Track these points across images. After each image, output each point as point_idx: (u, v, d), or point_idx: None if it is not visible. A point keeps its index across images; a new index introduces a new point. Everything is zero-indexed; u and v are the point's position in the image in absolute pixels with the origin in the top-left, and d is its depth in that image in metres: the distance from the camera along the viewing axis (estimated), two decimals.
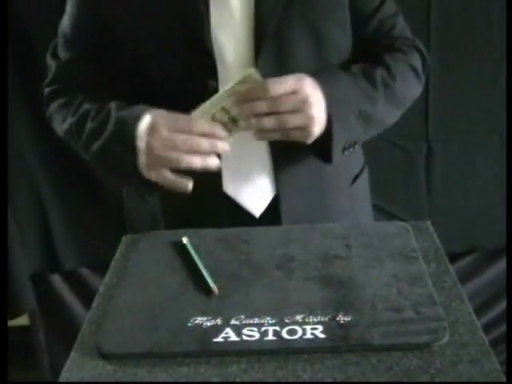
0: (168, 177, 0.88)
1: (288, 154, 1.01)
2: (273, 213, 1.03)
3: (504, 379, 0.61)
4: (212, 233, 0.93)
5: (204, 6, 0.94)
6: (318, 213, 1.06)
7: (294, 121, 0.87)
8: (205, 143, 0.86)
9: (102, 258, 1.09)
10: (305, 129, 0.88)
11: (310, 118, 0.87)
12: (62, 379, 0.65)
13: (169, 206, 1.13)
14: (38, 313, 1.90)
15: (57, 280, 1.89)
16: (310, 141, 0.90)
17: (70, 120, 1.01)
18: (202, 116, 0.87)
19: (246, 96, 0.85)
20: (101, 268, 1.02)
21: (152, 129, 0.87)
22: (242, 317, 0.71)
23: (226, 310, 0.73)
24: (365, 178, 1.18)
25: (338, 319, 0.70)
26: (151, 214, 1.27)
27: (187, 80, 0.97)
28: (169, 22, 0.95)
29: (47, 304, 1.90)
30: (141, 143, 0.88)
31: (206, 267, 0.82)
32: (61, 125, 1.04)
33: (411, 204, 1.76)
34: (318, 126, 0.89)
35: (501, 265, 1.83)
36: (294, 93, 0.85)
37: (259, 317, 0.71)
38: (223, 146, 0.88)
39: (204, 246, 0.88)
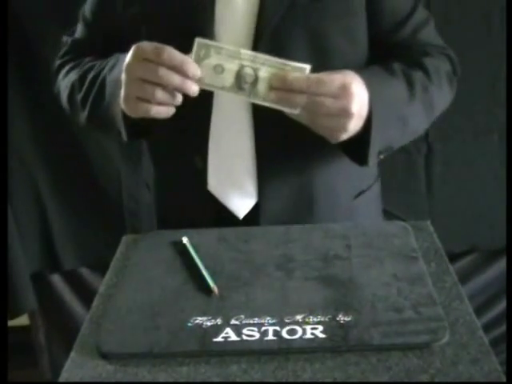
0: (145, 108, 0.84)
1: (274, 160, 0.98)
2: (255, 218, 1.00)
3: (504, 379, 0.61)
4: (212, 233, 0.93)
5: (211, 1, 0.94)
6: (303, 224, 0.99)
7: (329, 123, 0.84)
8: (175, 77, 0.81)
9: (102, 257, 1.09)
10: (335, 133, 0.85)
11: (344, 128, 0.84)
12: (61, 379, 0.65)
13: (159, 202, 1.15)
14: (38, 313, 1.90)
15: (57, 280, 1.89)
16: (343, 137, 0.86)
17: (74, 77, 1.01)
18: (231, 57, 0.82)
19: (288, 78, 0.80)
20: (101, 268, 1.02)
21: (130, 58, 0.84)
22: (242, 317, 0.71)
23: (226, 309, 0.73)
24: (374, 193, 1.13)
25: (338, 319, 0.70)
26: (151, 213, 1.27)
27: None
28: (175, 12, 0.95)
29: (47, 304, 1.90)
30: (122, 75, 0.86)
31: (206, 267, 0.82)
32: (65, 89, 1.04)
33: (411, 204, 1.76)
34: (355, 122, 0.84)
35: (501, 265, 1.83)
36: (334, 97, 0.82)
37: (259, 317, 0.71)
38: (193, 88, 0.82)
39: (204, 246, 0.88)
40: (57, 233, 1.81)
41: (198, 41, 0.81)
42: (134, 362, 0.66)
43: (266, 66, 0.81)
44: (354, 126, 0.85)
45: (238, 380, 0.63)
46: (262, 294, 0.76)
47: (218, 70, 0.82)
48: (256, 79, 0.82)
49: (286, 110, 0.83)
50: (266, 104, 0.83)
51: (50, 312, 1.91)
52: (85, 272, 1.88)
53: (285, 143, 0.97)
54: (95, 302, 0.79)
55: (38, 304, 1.86)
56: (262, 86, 0.82)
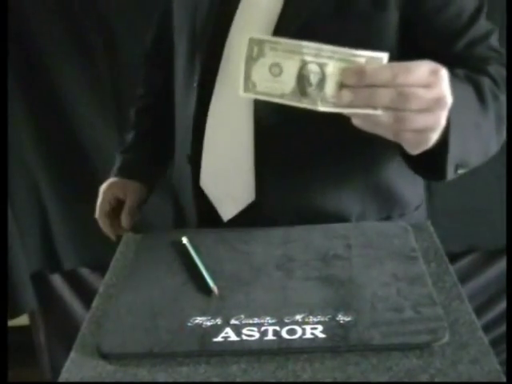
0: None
1: (273, 168, 0.94)
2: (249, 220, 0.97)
3: (504, 379, 0.61)
4: (212, 233, 0.93)
5: (234, 3, 0.93)
6: None
7: (420, 122, 0.65)
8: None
9: (102, 257, 1.09)
10: (425, 133, 0.68)
11: (438, 123, 0.67)
12: (61, 379, 0.65)
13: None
14: (38, 312, 1.90)
15: (57, 280, 1.89)
16: (421, 150, 0.71)
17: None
18: (290, 52, 0.66)
19: (367, 70, 0.63)
20: (101, 268, 1.02)
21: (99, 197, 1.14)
22: (242, 317, 0.71)
23: (225, 309, 0.73)
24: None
25: (337, 319, 0.70)
26: (151, 214, 1.27)
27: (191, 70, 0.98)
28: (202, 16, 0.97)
29: (47, 304, 1.90)
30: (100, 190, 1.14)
31: (206, 267, 0.82)
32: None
33: None
34: (437, 133, 0.69)
35: (501, 265, 1.83)
36: (426, 87, 0.64)
37: (259, 317, 0.71)
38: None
39: (204, 246, 0.88)
40: (57, 233, 1.81)
41: (250, 38, 0.67)
42: (133, 362, 0.66)
43: (334, 60, 0.64)
44: (436, 137, 0.70)
45: (237, 380, 0.63)
46: (261, 294, 0.76)
47: (275, 71, 0.67)
48: (323, 78, 0.65)
49: (367, 112, 0.65)
50: (338, 110, 0.65)
51: (50, 312, 1.91)
52: (85, 272, 1.88)
53: (285, 153, 0.94)
54: (95, 302, 0.79)
55: (38, 304, 1.86)
56: (331, 87, 0.65)
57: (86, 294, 1.85)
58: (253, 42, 0.67)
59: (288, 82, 0.66)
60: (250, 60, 0.67)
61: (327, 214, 0.95)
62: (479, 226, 1.79)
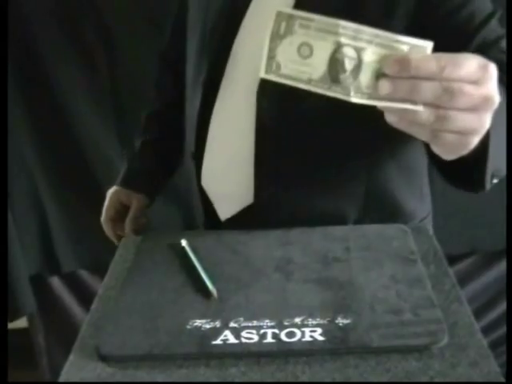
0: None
1: (273, 171, 0.93)
2: (247, 220, 0.97)
3: (503, 381, 0.61)
4: (211, 235, 0.93)
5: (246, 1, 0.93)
6: None
7: (464, 123, 0.57)
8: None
9: (101, 259, 1.09)
10: (468, 136, 0.59)
11: (483, 125, 0.59)
12: (61, 380, 0.65)
13: None
14: (37, 315, 1.90)
15: (56, 282, 1.89)
16: (459, 155, 0.62)
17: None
18: (324, 32, 0.57)
19: (411, 60, 0.55)
20: (100, 270, 1.02)
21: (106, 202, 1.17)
22: (241, 319, 0.71)
23: (224, 312, 0.73)
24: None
25: (336, 321, 0.70)
26: (151, 216, 1.27)
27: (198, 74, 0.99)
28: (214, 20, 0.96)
29: (46, 306, 1.90)
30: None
31: (205, 269, 0.82)
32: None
33: None
34: (480, 136, 0.60)
35: (500, 267, 1.83)
36: (474, 83, 0.56)
37: (258, 319, 0.71)
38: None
39: (203, 248, 0.88)
40: (56, 235, 1.81)
41: (278, 11, 0.58)
42: (132, 364, 0.66)
43: (373, 45, 0.56)
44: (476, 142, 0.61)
45: (236, 380, 0.63)
46: (260, 297, 0.76)
47: (305, 51, 0.58)
48: (359, 65, 0.57)
49: (406, 106, 0.56)
50: (373, 102, 0.57)
51: (49, 314, 1.91)
52: (84, 274, 1.88)
53: (286, 156, 0.93)
54: (94, 305, 0.79)
55: (37, 306, 1.86)
56: (367, 75, 0.57)
57: (85, 297, 1.85)
58: (281, 16, 0.57)
59: (318, 65, 0.57)
60: (276, 37, 0.58)
61: (325, 218, 0.94)
62: (479, 228, 1.79)
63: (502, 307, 1.87)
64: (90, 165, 1.75)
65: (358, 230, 0.91)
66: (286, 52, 0.58)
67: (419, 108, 0.56)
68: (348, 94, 0.57)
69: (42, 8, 1.59)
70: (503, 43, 0.87)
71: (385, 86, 0.55)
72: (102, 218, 1.15)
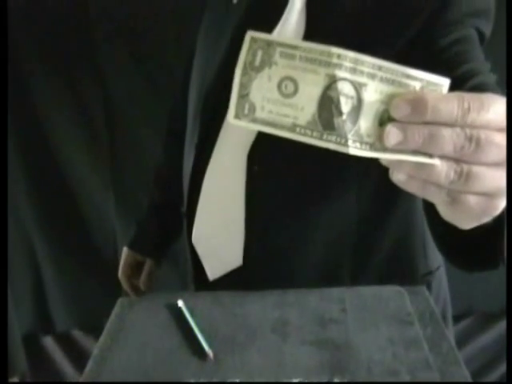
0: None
1: (263, 236, 0.93)
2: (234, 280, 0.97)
3: None
4: (208, 296, 0.92)
5: None
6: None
7: (492, 181, 0.44)
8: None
9: (95, 320, 1.09)
10: (495, 198, 0.45)
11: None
12: None
13: None
14: (28, 374, 1.87)
15: (49, 342, 1.87)
16: (480, 222, 0.48)
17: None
18: (313, 63, 0.43)
19: (425, 101, 0.42)
20: (94, 330, 1.01)
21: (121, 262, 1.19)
22: (237, 380, 0.71)
23: (220, 373, 0.72)
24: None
25: (333, 383, 0.69)
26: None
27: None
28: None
29: (38, 366, 1.87)
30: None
31: (202, 330, 0.81)
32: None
33: None
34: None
35: (498, 328, 1.82)
36: (502, 131, 0.43)
37: (254, 380, 0.70)
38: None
39: (199, 308, 0.88)
40: (51, 294, 1.80)
41: (252, 36, 0.44)
42: None
43: (377, 81, 0.44)
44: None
45: None
46: (257, 358, 0.75)
47: (288, 88, 0.44)
48: (358, 106, 0.44)
49: (419, 160, 0.44)
50: (377, 155, 0.44)
51: (41, 374, 1.88)
52: (77, 334, 1.86)
53: (277, 222, 0.93)
54: (89, 365, 0.79)
55: (29, 366, 1.83)
56: (370, 119, 0.44)
57: (78, 357, 1.82)
58: (256, 43, 0.44)
59: (306, 107, 0.44)
60: (250, 70, 0.44)
61: (314, 281, 0.93)
62: (477, 288, 1.78)
63: (502, 369, 1.84)
64: (87, 225, 1.75)
65: (355, 291, 0.91)
66: (263, 89, 0.44)
67: (436, 162, 0.43)
68: (344, 145, 0.44)
69: (42, 69, 1.62)
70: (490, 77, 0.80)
71: (392, 134, 0.43)
72: (119, 274, 1.19)
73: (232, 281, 0.96)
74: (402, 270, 0.97)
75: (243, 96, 0.45)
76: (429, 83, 0.44)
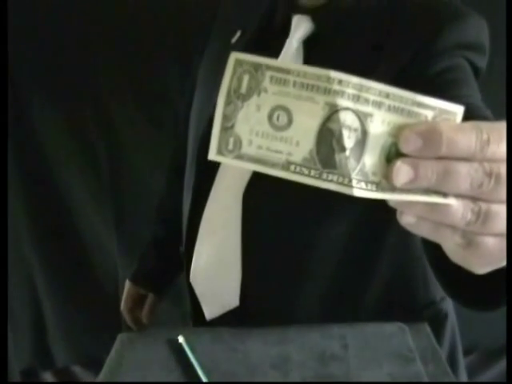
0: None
1: (260, 277, 0.92)
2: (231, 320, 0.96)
3: None
4: (209, 331, 0.92)
5: None
6: None
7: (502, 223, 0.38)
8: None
9: (95, 355, 1.08)
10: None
11: None
12: None
13: None
14: None
15: (48, 377, 1.85)
16: (498, 266, 0.42)
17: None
18: (310, 90, 0.37)
19: (439, 132, 0.37)
20: (93, 366, 1.01)
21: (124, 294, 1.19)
22: None
23: None
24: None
25: None
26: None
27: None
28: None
29: None
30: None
31: (202, 366, 0.81)
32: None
33: None
34: None
35: (500, 365, 1.80)
36: None
37: None
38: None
39: (200, 344, 0.88)
40: (50, 329, 1.80)
41: (236, 58, 0.38)
42: None
43: (383, 110, 0.38)
44: None
45: None
46: None
47: (280, 119, 0.38)
48: (363, 140, 0.38)
49: (431, 200, 0.38)
50: (385, 196, 0.39)
51: None
52: (77, 370, 1.84)
53: (273, 263, 0.92)
54: None
55: None
56: (375, 154, 0.38)
57: None
58: (242, 65, 0.38)
59: (301, 141, 0.38)
60: (236, 98, 0.38)
61: (313, 320, 0.93)
62: (479, 325, 1.77)
63: None
64: (87, 257, 1.75)
65: (356, 328, 0.91)
66: (251, 121, 0.38)
67: (452, 202, 0.38)
68: (348, 185, 0.38)
69: (45, 107, 1.64)
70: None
71: (402, 172, 0.37)
72: (122, 306, 1.19)
73: (230, 320, 0.96)
74: (400, 301, 0.97)
75: (227, 129, 0.39)
76: (441, 111, 0.38)
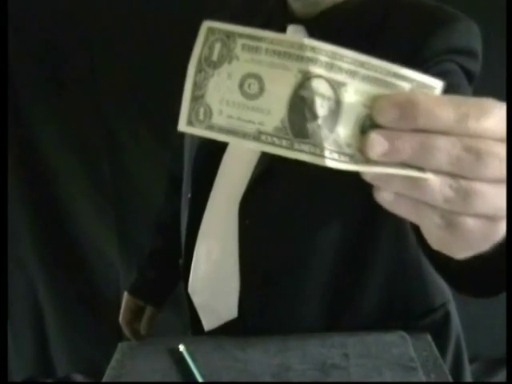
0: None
1: (258, 288, 0.92)
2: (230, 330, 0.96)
3: None
4: (210, 340, 0.92)
5: None
6: None
7: (494, 200, 0.36)
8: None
9: (96, 364, 1.08)
10: (496, 220, 0.38)
11: None
12: None
13: None
14: None
15: None
16: (481, 249, 0.40)
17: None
18: (282, 57, 0.35)
19: (416, 103, 0.35)
20: (94, 374, 1.01)
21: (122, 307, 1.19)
22: None
23: None
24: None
25: None
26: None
27: None
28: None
29: None
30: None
31: (203, 375, 0.81)
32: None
33: None
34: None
35: (502, 374, 1.79)
36: (502, 141, 0.36)
37: None
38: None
39: (201, 353, 0.87)
40: (51, 338, 1.80)
41: (208, 26, 0.37)
42: None
43: (358, 79, 0.36)
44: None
45: None
46: None
47: (252, 88, 0.37)
48: (337, 109, 0.36)
49: (408, 174, 0.36)
50: (359, 168, 0.37)
51: None
52: (78, 379, 1.84)
53: (271, 274, 0.92)
54: None
55: None
56: (350, 125, 0.36)
57: None
58: (214, 33, 0.37)
59: (273, 109, 0.36)
60: (206, 66, 0.37)
61: (312, 329, 0.93)
62: (480, 334, 1.76)
63: None
64: (90, 267, 1.75)
65: (357, 337, 0.91)
66: (222, 89, 0.37)
67: (429, 176, 0.36)
68: (320, 155, 0.36)
69: (48, 118, 1.64)
70: None
71: (376, 143, 0.36)
72: (120, 318, 1.18)
73: (228, 331, 0.95)
74: (398, 308, 0.95)
75: (197, 98, 0.37)
76: (419, 84, 0.37)
